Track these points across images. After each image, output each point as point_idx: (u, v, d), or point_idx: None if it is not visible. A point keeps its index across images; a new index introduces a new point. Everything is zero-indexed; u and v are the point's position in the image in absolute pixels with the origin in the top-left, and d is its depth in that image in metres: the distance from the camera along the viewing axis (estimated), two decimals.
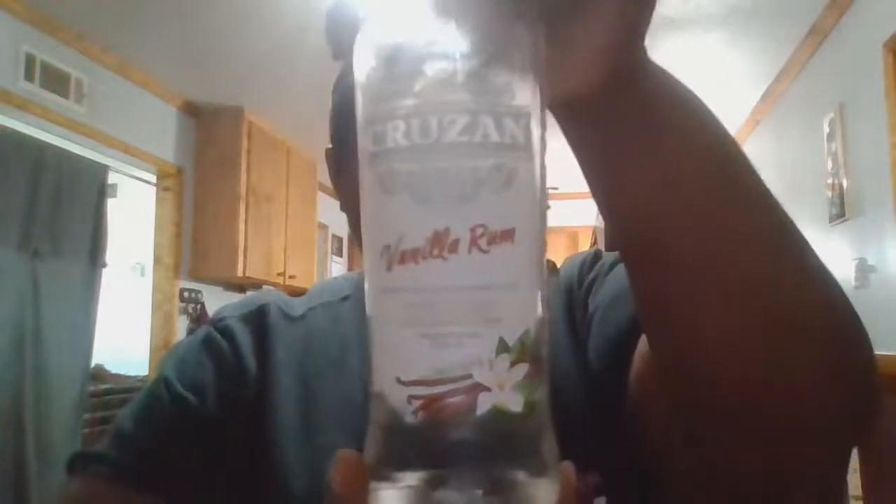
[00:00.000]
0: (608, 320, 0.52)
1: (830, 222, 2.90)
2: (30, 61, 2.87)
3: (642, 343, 0.46)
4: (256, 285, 4.36)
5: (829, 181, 2.91)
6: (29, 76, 2.86)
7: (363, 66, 0.27)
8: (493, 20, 0.26)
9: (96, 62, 3.26)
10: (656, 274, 0.35)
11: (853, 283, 2.65)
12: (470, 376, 0.24)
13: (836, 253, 2.87)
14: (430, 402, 0.24)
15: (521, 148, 0.25)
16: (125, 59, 3.38)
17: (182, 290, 3.96)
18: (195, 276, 4.06)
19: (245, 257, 4.03)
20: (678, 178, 0.33)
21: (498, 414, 0.24)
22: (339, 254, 6.49)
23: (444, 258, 0.24)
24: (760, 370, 0.34)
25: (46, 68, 2.95)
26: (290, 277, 4.50)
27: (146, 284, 4.03)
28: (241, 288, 4.47)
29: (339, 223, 6.41)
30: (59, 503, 0.57)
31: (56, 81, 3.01)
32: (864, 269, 2.60)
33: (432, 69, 0.25)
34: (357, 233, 0.58)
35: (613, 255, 0.58)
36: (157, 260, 3.90)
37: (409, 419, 0.24)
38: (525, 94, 0.26)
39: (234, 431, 0.58)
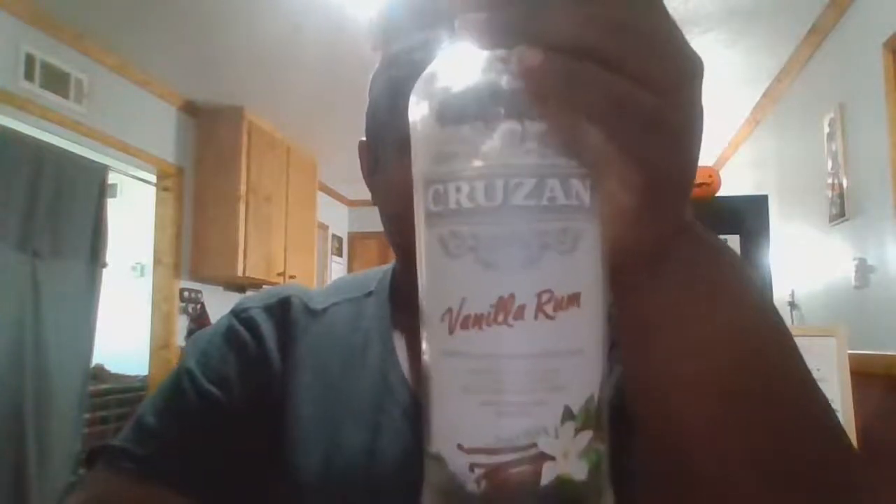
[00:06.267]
0: None
1: (830, 222, 2.90)
2: (30, 61, 2.87)
3: None
4: (256, 285, 4.35)
5: (829, 181, 2.91)
6: (29, 76, 2.86)
7: (422, 121, 0.26)
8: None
9: (96, 62, 3.25)
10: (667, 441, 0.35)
11: (853, 283, 2.65)
12: (534, 446, 0.23)
13: (836, 253, 2.87)
14: (494, 472, 0.24)
15: (587, 209, 0.25)
16: (125, 59, 3.38)
17: (182, 290, 3.96)
18: (195, 276, 4.06)
19: (245, 257, 4.03)
20: (694, 380, 0.32)
21: (562, 483, 0.24)
22: (339, 254, 6.49)
23: (509, 325, 0.23)
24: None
25: (46, 68, 2.95)
26: (290, 277, 4.50)
27: (146, 284, 4.03)
28: (241, 288, 4.47)
29: (339, 223, 6.41)
30: (82, 497, 0.56)
31: (56, 81, 3.00)
32: (864, 269, 2.60)
33: (497, 130, 0.24)
34: (389, 227, 0.58)
35: None
36: (157, 260, 3.90)
37: (471, 487, 0.24)
38: (592, 156, 0.25)
39: (255, 424, 0.57)
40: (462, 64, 0.25)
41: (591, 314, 0.25)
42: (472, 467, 0.24)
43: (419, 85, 0.26)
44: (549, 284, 0.24)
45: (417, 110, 0.26)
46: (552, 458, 0.24)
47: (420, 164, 0.26)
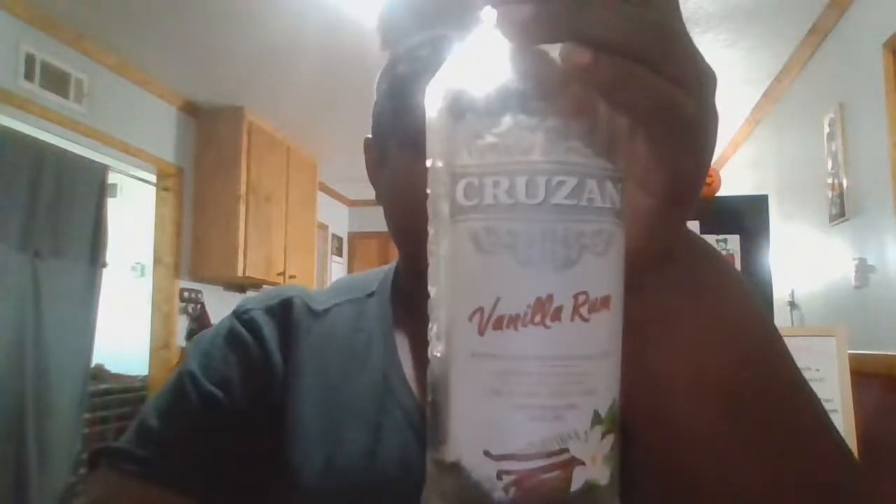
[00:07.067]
0: None
1: (830, 222, 2.90)
2: (30, 61, 2.87)
3: None
4: (256, 285, 4.36)
5: (829, 181, 2.91)
6: (29, 76, 2.86)
7: (450, 112, 0.25)
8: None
9: (96, 62, 3.26)
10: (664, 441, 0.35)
11: (853, 283, 2.65)
12: (566, 451, 0.23)
13: (836, 253, 2.87)
14: (525, 478, 0.23)
15: (618, 213, 0.24)
16: (125, 59, 3.38)
17: (182, 290, 3.96)
18: (195, 276, 4.06)
19: (245, 257, 4.04)
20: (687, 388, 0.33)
21: (590, 488, 0.23)
22: (339, 254, 6.49)
23: (546, 326, 0.23)
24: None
25: (46, 68, 2.95)
26: (291, 277, 4.50)
27: (146, 284, 4.03)
28: (241, 288, 4.47)
29: (339, 223, 6.41)
30: (83, 500, 0.56)
31: (56, 81, 3.01)
32: (864, 269, 2.60)
33: (541, 126, 0.23)
34: (394, 226, 0.57)
35: None
36: (157, 260, 3.90)
37: (498, 495, 0.23)
38: (621, 159, 0.25)
39: (258, 426, 0.57)
40: (501, 56, 0.24)
41: (618, 317, 0.25)
42: (500, 475, 0.23)
43: (448, 73, 0.25)
44: (585, 286, 0.23)
45: (443, 99, 0.25)
46: (582, 463, 0.23)
47: (446, 157, 0.25)
